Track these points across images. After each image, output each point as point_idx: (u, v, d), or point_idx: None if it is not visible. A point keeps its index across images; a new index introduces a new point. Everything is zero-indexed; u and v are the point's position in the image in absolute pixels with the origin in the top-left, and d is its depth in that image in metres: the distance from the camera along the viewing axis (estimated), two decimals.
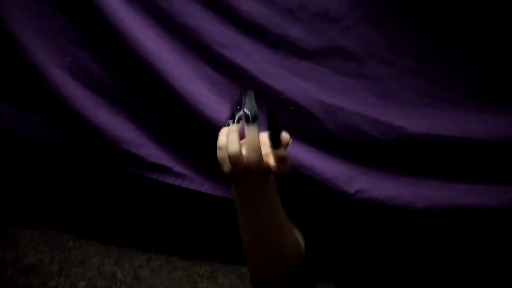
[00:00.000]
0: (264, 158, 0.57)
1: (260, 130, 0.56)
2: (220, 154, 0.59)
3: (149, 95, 0.79)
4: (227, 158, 0.58)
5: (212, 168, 0.82)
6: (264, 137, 0.58)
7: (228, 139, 0.58)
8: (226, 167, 0.59)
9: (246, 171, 0.58)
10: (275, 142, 0.56)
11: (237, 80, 0.78)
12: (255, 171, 0.57)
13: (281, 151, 0.56)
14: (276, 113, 0.57)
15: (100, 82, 0.78)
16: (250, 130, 0.56)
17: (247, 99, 0.58)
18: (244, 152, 0.58)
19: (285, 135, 0.57)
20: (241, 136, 0.59)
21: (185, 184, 0.81)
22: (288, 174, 0.59)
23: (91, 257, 0.82)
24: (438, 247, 0.85)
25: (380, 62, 0.78)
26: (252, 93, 0.58)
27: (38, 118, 0.78)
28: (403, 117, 0.78)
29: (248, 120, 0.56)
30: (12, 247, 0.79)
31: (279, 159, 0.57)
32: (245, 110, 0.57)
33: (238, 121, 0.60)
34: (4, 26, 0.75)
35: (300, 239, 0.79)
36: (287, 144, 0.58)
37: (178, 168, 0.81)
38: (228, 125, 0.60)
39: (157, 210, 0.97)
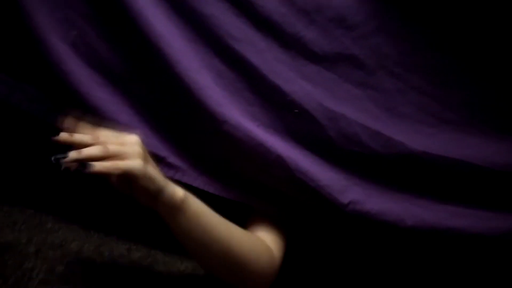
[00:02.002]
0: None
1: None
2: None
3: (153, 80, 0.76)
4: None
5: (207, 163, 0.80)
6: None
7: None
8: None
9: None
10: None
11: (244, 75, 0.77)
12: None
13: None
14: None
15: (103, 60, 0.75)
16: None
17: None
18: None
19: None
20: None
21: (177, 176, 0.78)
22: None
23: (70, 241, 0.78)
24: (424, 266, 0.85)
25: (388, 75, 0.78)
26: None
27: (32, 90, 0.75)
28: (404, 132, 0.78)
29: None
30: None
31: None
32: None
33: None
34: None
35: (276, 246, 0.78)
36: None
37: (172, 159, 0.78)
38: None
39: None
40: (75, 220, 0.83)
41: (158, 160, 0.77)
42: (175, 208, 0.64)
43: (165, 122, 0.78)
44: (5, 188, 0.83)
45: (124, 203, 0.91)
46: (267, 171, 0.76)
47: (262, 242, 0.76)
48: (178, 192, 0.64)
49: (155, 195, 0.61)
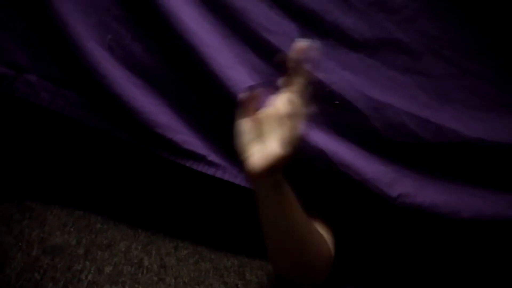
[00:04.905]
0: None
1: None
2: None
3: (189, 79, 0.75)
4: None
5: None
6: None
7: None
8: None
9: None
10: None
11: (281, 68, 0.74)
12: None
13: None
14: None
15: (139, 62, 0.75)
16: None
17: None
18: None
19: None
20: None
21: (218, 174, 0.78)
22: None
23: (118, 241, 0.79)
24: (478, 258, 0.80)
25: (437, 59, 0.73)
26: None
27: (73, 95, 0.76)
28: (457, 119, 0.72)
29: None
30: (38, 225, 0.77)
31: None
32: None
33: None
34: None
35: (330, 241, 0.75)
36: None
37: (212, 157, 0.78)
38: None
39: (186, 198, 0.94)
40: (123, 220, 0.84)
41: (199, 158, 0.77)
42: (282, 182, 0.62)
43: (204, 121, 0.77)
44: (55, 191, 0.86)
45: (169, 201, 0.92)
46: (310, 166, 0.74)
47: (326, 240, 0.74)
48: None
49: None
